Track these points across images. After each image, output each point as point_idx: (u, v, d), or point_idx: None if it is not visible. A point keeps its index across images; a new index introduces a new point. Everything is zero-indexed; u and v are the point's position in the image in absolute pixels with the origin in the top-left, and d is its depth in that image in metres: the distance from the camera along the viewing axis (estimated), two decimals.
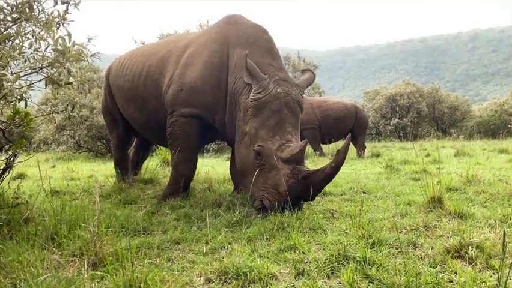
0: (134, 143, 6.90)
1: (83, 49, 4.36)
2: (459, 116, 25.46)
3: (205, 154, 16.26)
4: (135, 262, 2.63)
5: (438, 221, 3.46)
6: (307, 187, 3.69)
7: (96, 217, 2.67)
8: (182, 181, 4.69)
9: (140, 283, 2.10)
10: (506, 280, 1.89)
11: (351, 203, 4.64)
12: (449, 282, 2.20)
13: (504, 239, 1.67)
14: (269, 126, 3.97)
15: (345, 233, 3.03)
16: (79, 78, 3.00)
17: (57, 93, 3.66)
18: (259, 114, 4.02)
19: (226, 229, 3.42)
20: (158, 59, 5.08)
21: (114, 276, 2.15)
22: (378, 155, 10.87)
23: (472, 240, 2.67)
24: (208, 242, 3.09)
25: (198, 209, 4.25)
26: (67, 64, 2.88)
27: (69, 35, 3.04)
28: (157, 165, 8.11)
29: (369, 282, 2.24)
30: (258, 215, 3.81)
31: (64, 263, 2.58)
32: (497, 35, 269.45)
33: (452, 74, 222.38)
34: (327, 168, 3.73)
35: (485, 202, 4.16)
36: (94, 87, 18.41)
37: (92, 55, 5.02)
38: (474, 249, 2.58)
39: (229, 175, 5.58)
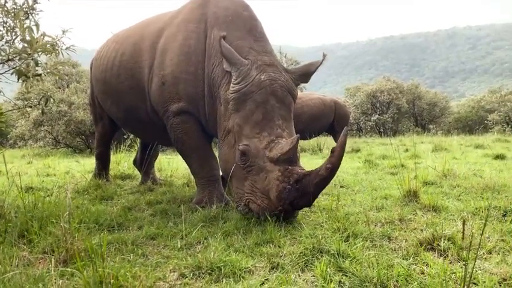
0: (139, 142, 6.30)
1: (57, 41, 4.25)
2: (438, 112, 25.91)
3: None
4: (108, 258, 2.58)
5: (413, 214, 3.50)
6: (302, 192, 3.10)
7: (67, 213, 2.61)
8: (211, 184, 4.02)
9: (111, 279, 2.05)
10: (472, 271, 1.92)
11: (328, 197, 4.65)
12: (421, 273, 2.23)
13: (464, 230, 1.69)
14: (255, 121, 3.36)
15: (321, 226, 3.04)
16: (48, 71, 2.91)
17: (30, 86, 3.55)
18: (241, 107, 3.41)
19: (203, 224, 3.38)
20: (131, 46, 4.40)
21: (84, 273, 2.10)
22: (358, 150, 10.96)
23: (444, 232, 2.71)
24: (184, 237, 3.06)
25: (175, 204, 4.21)
26: (35, 55, 2.79)
27: (37, 25, 2.95)
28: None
29: (343, 274, 2.25)
30: (246, 215, 3.38)
31: (33, 260, 2.52)
32: (475, 32, 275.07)
33: (431, 71, 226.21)
34: (321, 169, 3.09)
35: (459, 196, 4.24)
36: (72, 82, 18.07)
37: (67, 48, 4.90)
38: (446, 241, 2.62)
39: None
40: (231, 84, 3.49)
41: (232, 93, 3.47)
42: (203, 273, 2.35)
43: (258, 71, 3.46)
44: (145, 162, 5.56)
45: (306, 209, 3.95)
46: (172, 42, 4.01)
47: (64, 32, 4.66)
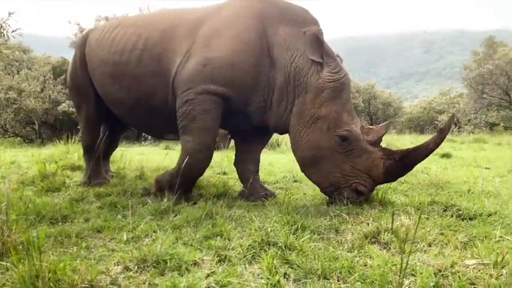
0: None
1: (1, 24, 3.99)
2: (392, 111, 26.86)
3: (142, 142, 15.79)
4: (49, 251, 2.48)
5: (361, 208, 3.60)
6: (404, 167, 3.65)
7: (4, 203, 2.47)
8: (192, 174, 4.00)
9: (48, 273, 1.96)
10: (407, 261, 2.00)
11: (282, 191, 4.70)
12: (364, 265, 2.29)
13: (392, 223, 1.75)
14: (348, 109, 3.82)
15: (272, 220, 3.06)
16: None
17: None
18: (338, 96, 3.77)
19: (152, 217, 3.32)
20: (160, 32, 4.31)
21: (20, 267, 2.00)
22: None
23: (388, 226, 2.80)
24: (132, 230, 2.99)
25: (125, 197, 4.10)
26: None
27: None
28: None
29: (289, 267, 2.27)
30: (346, 200, 3.65)
31: None
32: (430, 37, 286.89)
33: (387, 72, 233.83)
34: (430, 144, 3.62)
35: (406, 191, 4.40)
36: (23, 68, 17.18)
37: (13, 31, 4.62)
38: (389, 234, 2.71)
39: (236, 173, 4.67)
40: (328, 74, 3.79)
41: (331, 82, 3.77)
42: (148, 267, 2.30)
43: (341, 65, 3.93)
44: (95, 151, 5.06)
45: (260, 203, 3.98)
46: (227, 31, 4.01)
47: (10, 14, 4.40)
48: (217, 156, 7.69)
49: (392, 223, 2.23)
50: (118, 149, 8.43)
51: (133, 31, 4.50)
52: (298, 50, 3.93)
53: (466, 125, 22.82)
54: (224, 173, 6.10)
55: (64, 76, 17.48)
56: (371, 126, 3.84)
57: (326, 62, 3.83)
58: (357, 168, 3.67)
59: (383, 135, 3.75)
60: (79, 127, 12.26)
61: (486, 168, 6.52)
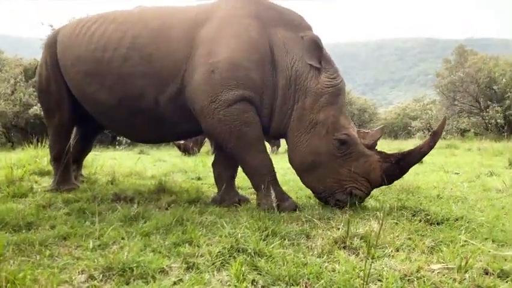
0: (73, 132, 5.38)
1: None
2: (367, 117, 27.33)
3: (117, 147, 15.54)
4: (9, 261, 2.38)
5: (333, 213, 3.63)
6: (400, 169, 3.73)
7: None
8: (275, 181, 3.93)
9: (6, 283, 1.89)
10: (370, 267, 2.02)
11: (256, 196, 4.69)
12: (332, 271, 2.30)
13: (348, 227, 1.76)
14: (344, 113, 3.91)
15: (243, 225, 3.04)
16: None
17: None
18: (335, 101, 3.83)
19: (121, 223, 3.25)
20: (150, 32, 4.09)
21: None
22: None
23: (357, 231, 2.82)
24: (99, 237, 2.91)
25: (95, 203, 4.00)
26: None
27: None
28: None
29: (257, 273, 2.26)
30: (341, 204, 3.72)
31: None
32: (402, 44, 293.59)
33: (362, 79, 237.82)
34: (423, 147, 3.72)
35: (377, 196, 4.46)
36: None
37: None
38: (358, 240, 2.73)
39: (213, 175, 4.55)
40: (326, 79, 3.85)
41: (329, 87, 3.83)
42: (113, 275, 2.24)
43: (338, 71, 3.98)
44: (64, 156, 4.75)
45: (233, 208, 3.96)
46: (227, 31, 3.91)
47: None
48: (191, 161, 7.66)
49: (348, 231, 2.22)
50: (91, 153, 8.28)
51: (115, 27, 4.28)
52: (296, 54, 3.93)
53: None
54: (198, 179, 6.05)
55: (35, 78, 17.08)
56: (367, 130, 3.92)
57: (324, 68, 3.87)
58: (354, 171, 3.72)
59: (379, 138, 3.86)
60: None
61: (455, 173, 6.69)
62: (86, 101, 4.57)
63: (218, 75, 3.74)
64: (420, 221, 3.28)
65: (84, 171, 6.00)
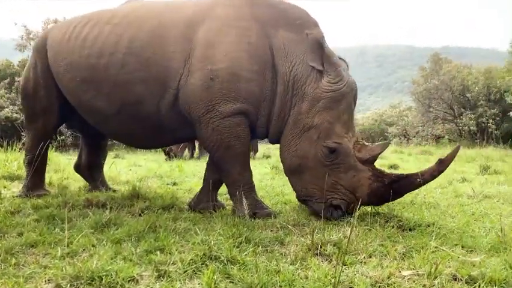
0: (82, 143, 5.29)
1: None
2: None
3: None
4: None
5: (307, 219, 3.64)
6: (393, 192, 3.43)
7: None
8: (252, 191, 3.86)
9: None
10: (340, 273, 2.02)
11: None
12: (304, 278, 2.29)
13: (313, 234, 1.75)
14: (343, 121, 3.62)
15: (217, 232, 3.01)
16: None
17: None
18: (334, 106, 3.60)
19: (92, 230, 3.17)
20: (147, 33, 3.90)
21: None
22: (268, 157, 11.23)
23: (331, 238, 2.83)
24: (68, 244, 2.83)
25: (65, 209, 3.89)
26: None
27: None
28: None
29: (230, 281, 2.23)
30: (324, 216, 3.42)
31: None
32: (383, 51, 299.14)
33: None
34: (425, 175, 3.44)
35: None
36: None
37: None
38: (332, 246, 2.74)
39: (203, 174, 4.40)
40: (326, 83, 3.64)
41: (328, 92, 3.62)
42: (82, 284, 2.18)
43: (346, 73, 3.73)
44: (35, 162, 4.52)
45: (208, 214, 3.92)
46: (222, 36, 3.74)
47: None
48: (168, 166, 7.58)
49: (312, 237, 2.22)
50: (65, 157, 8.12)
51: (110, 30, 4.06)
52: (297, 57, 3.76)
53: (414, 137, 23.90)
54: (174, 184, 5.99)
55: (7, 80, 16.64)
56: (366, 143, 3.68)
57: (326, 71, 3.67)
58: (340, 183, 3.54)
59: (378, 154, 3.59)
60: (23, 134, 11.60)
61: None
62: (83, 108, 4.38)
63: (218, 84, 3.63)
64: (393, 227, 3.32)
65: (56, 176, 5.85)
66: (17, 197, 4.60)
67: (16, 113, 14.75)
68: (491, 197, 5.03)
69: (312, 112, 3.65)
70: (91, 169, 5.12)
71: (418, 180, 3.44)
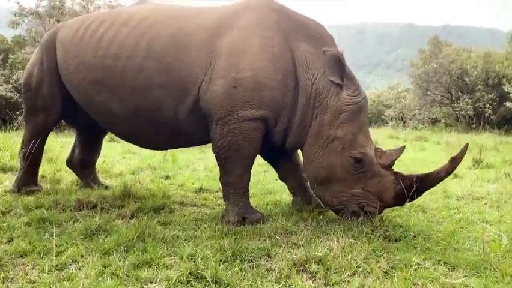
0: (76, 139, 5.22)
1: None
2: None
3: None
4: None
5: (296, 226, 3.69)
6: (414, 192, 3.67)
7: None
8: (246, 196, 3.96)
9: None
10: None
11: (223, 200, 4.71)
12: None
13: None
14: (364, 131, 3.87)
15: (204, 246, 3.05)
16: None
17: None
18: (355, 118, 3.81)
19: (82, 237, 3.21)
20: (167, 39, 3.91)
21: None
22: None
23: (316, 254, 2.87)
24: (58, 254, 2.87)
25: (56, 210, 3.93)
26: None
27: None
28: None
29: None
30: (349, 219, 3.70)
31: None
32: (382, 29, 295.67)
33: None
34: (441, 173, 3.70)
35: None
36: None
37: None
38: (316, 264, 2.78)
39: (284, 183, 4.62)
40: (347, 97, 3.82)
41: (349, 105, 3.81)
42: None
43: (360, 87, 3.94)
44: (28, 156, 4.52)
45: (199, 217, 3.97)
46: (250, 46, 3.81)
47: None
48: (161, 155, 7.56)
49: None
50: (60, 139, 8.04)
51: (128, 32, 4.03)
52: (318, 70, 3.90)
53: (411, 119, 23.94)
54: (167, 177, 5.99)
55: (1, 56, 16.39)
56: (385, 150, 3.93)
57: (346, 84, 3.84)
58: (367, 190, 3.76)
59: (396, 159, 3.84)
60: (17, 113, 11.48)
61: None
62: (93, 109, 4.37)
63: (241, 92, 3.72)
64: (379, 237, 3.37)
65: (48, 167, 5.85)
66: (8, 192, 4.63)
67: (10, 92, 14.60)
68: (479, 198, 5.10)
69: (335, 124, 3.82)
70: (82, 166, 5.12)
71: (437, 177, 3.73)
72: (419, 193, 3.77)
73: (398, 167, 7.13)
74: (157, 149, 5.14)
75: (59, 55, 4.43)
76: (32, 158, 4.58)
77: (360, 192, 3.77)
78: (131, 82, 3.97)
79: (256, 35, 3.86)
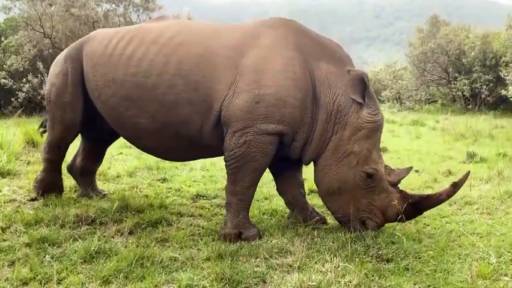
0: (81, 147, 5.26)
1: None
2: None
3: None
4: None
5: (290, 243, 3.78)
6: (416, 211, 4.00)
7: None
8: (247, 209, 4.11)
9: None
10: None
11: (221, 209, 4.79)
12: None
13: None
14: (377, 148, 4.12)
15: (201, 273, 3.13)
16: None
17: None
18: (372, 135, 4.03)
19: (82, 261, 3.29)
20: (194, 57, 4.08)
21: None
22: None
23: (310, 283, 2.95)
24: (58, 282, 2.95)
25: (56, 226, 3.99)
26: None
27: None
28: (23, 147, 7.32)
29: None
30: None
31: None
32: (381, 1, 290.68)
33: (339, 35, 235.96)
34: (442, 195, 3.96)
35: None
36: None
37: None
38: None
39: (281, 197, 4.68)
40: (368, 115, 4.02)
41: (369, 123, 4.02)
42: None
43: (379, 107, 4.16)
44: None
45: (196, 232, 4.06)
46: (272, 65, 3.99)
47: None
48: None
49: None
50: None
51: (157, 50, 4.18)
52: (339, 89, 4.09)
53: (408, 99, 23.95)
54: (164, 180, 6.04)
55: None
56: (393, 168, 4.17)
57: (367, 104, 4.03)
58: (373, 204, 4.00)
59: (403, 177, 4.11)
60: (12, 100, 11.26)
61: (416, 171, 6.93)
62: (120, 124, 4.50)
63: (263, 108, 3.88)
64: (372, 257, 3.47)
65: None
66: (7, 202, 4.67)
67: (4, 78, 14.44)
68: (471, 203, 5.20)
69: (353, 140, 4.02)
70: (83, 174, 5.18)
71: (438, 199, 4.01)
72: (421, 212, 4.10)
73: (392, 159, 7.16)
74: (178, 161, 5.52)
75: (87, 69, 4.55)
76: (53, 162, 4.94)
77: (365, 205, 4.01)
78: (161, 98, 4.13)
79: (277, 54, 4.04)
